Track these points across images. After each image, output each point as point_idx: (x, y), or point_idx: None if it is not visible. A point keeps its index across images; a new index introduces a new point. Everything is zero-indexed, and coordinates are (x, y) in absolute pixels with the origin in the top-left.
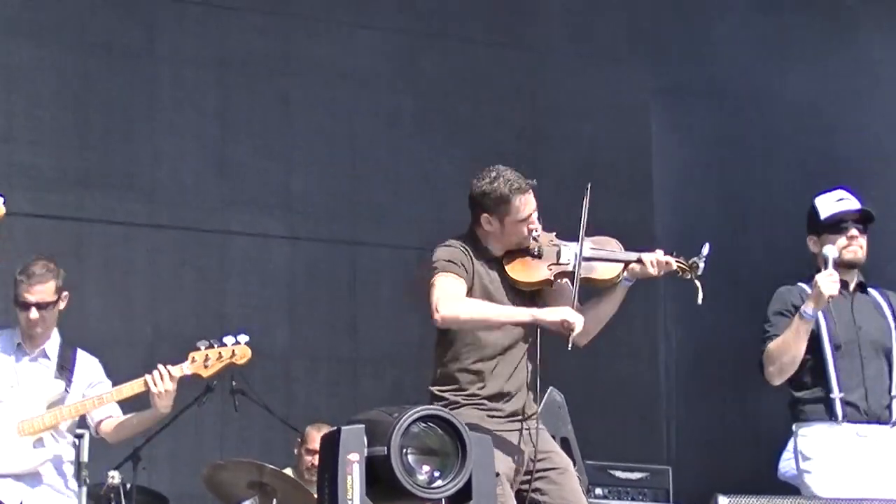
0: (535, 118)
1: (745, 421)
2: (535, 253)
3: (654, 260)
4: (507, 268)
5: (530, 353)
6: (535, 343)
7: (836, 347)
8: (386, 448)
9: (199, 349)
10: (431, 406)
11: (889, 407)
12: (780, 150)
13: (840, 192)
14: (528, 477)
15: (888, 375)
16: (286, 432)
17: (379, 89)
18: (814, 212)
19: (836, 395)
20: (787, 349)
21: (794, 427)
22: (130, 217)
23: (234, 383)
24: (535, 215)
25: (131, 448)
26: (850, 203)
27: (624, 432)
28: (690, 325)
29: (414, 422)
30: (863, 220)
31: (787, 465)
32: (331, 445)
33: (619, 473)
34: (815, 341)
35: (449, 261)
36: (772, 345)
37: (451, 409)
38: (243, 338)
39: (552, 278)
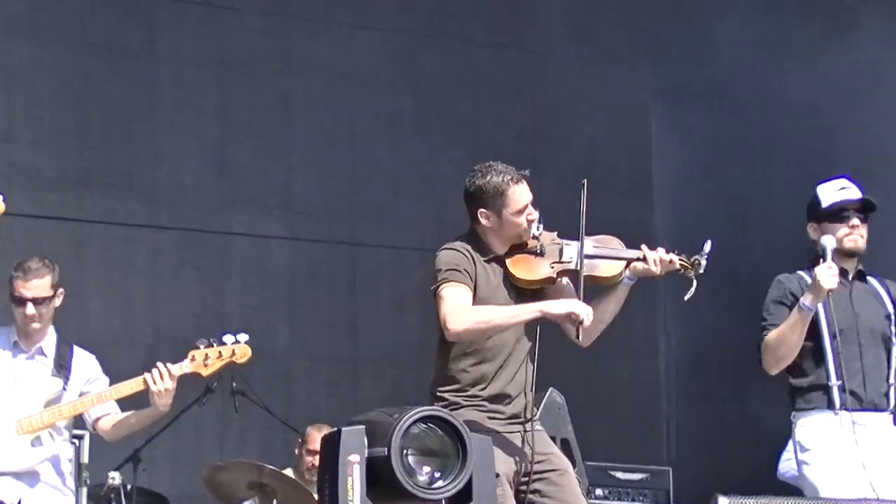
0: (535, 118)
1: (745, 421)
2: (538, 251)
3: (657, 258)
4: (509, 266)
5: (531, 355)
6: (535, 344)
7: (834, 335)
8: (386, 449)
9: (198, 348)
10: (432, 407)
11: (887, 394)
12: (780, 150)
13: (842, 181)
14: (527, 478)
15: (886, 363)
16: (286, 433)
17: (379, 89)
18: (815, 199)
19: (834, 382)
20: (785, 340)
21: (792, 416)
22: (130, 217)
23: (234, 384)
24: (531, 206)
25: (131, 449)
26: (852, 192)
27: (624, 433)
28: (690, 325)
29: (414, 422)
30: (864, 209)
31: (786, 465)
32: (331, 446)
33: (619, 474)
34: (813, 328)
35: (452, 269)
36: (770, 335)
37: (451, 410)
38: (243, 337)
39: (555, 276)
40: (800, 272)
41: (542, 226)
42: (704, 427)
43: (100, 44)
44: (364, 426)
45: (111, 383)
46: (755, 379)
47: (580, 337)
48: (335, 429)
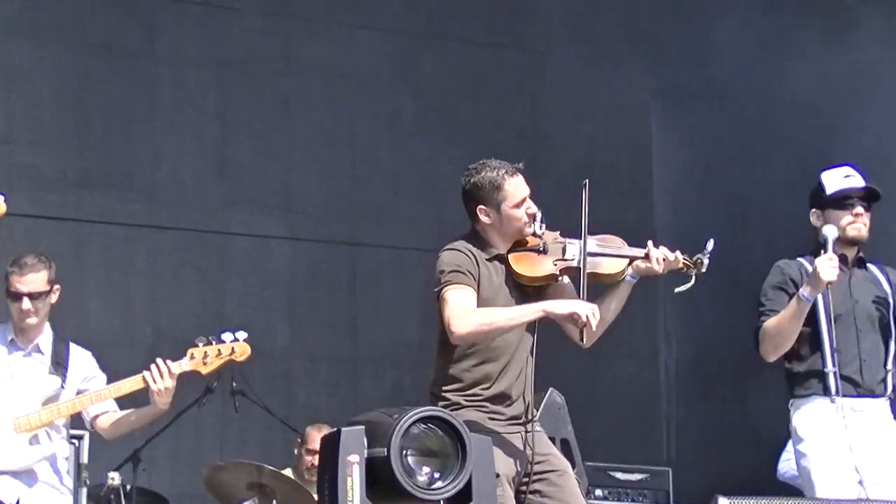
0: (535, 118)
1: (745, 421)
2: (540, 249)
3: (660, 257)
4: (512, 263)
5: (532, 354)
6: (535, 344)
7: (831, 320)
8: (386, 449)
9: (197, 346)
10: (431, 407)
11: (884, 381)
12: (780, 150)
13: (846, 169)
14: (527, 479)
15: (884, 349)
16: (286, 433)
17: (379, 90)
18: (819, 187)
19: (830, 369)
20: (782, 329)
21: (790, 404)
22: (130, 217)
23: (234, 384)
24: (530, 200)
25: (131, 449)
26: (857, 180)
27: (624, 433)
28: (690, 325)
29: (414, 423)
30: (868, 197)
31: (786, 465)
32: (331, 446)
33: (619, 475)
34: (811, 314)
35: (456, 270)
36: (768, 323)
37: (451, 411)
38: (242, 334)
39: (557, 273)
40: (800, 259)
41: (544, 225)
42: (704, 427)
43: (100, 44)
44: (364, 426)
45: (110, 383)
46: (755, 379)
47: (584, 339)
48: (335, 429)
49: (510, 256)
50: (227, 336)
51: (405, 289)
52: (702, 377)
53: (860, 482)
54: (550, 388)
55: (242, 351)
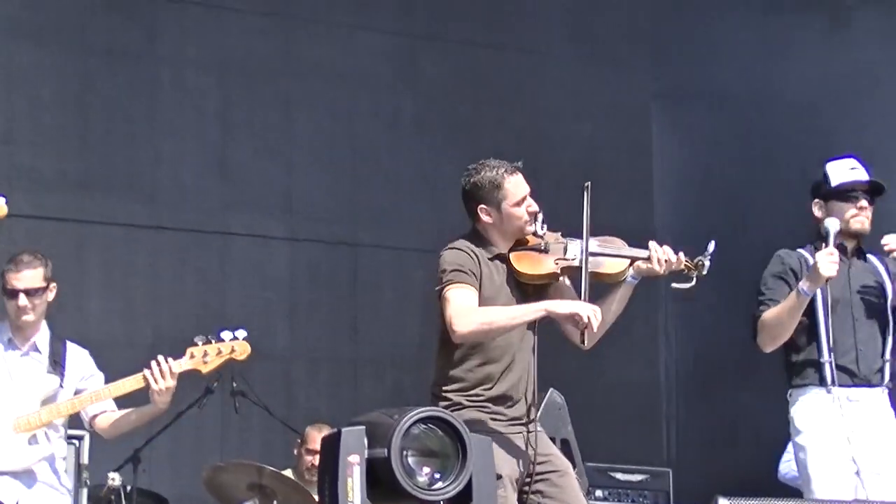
0: (535, 119)
1: (746, 421)
2: (542, 248)
3: (662, 257)
4: (513, 262)
5: (533, 355)
6: (536, 344)
7: (829, 309)
8: (386, 450)
9: (196, 344)
10: (432, 407)
11: (881, 370)
12: (780, 151)
13: (852, 161)
14: (529, 480)
15: (881, 339)
16: (286, 434)
17: (379, 90)
18: (824, 177)
19: (826, 359)
20: (780, 321)
21: (788, 394)
22: (131, 219)
23: (234, 385)
24: (530, 198)
25: (131, 450)
26: (862, 173)
27: (624, 434)
28: (690, 325)
29: (414, 423)
30: (871, 191)
31: (787, 466)
32: (331, 447)
33: (619, 475)
34: (809, 303)
35: (457, 269)
36: (767, 314)
37: (454, 411)
38: (241, 333)
39: (558, 272)
40: (800, 250)
41: (545, 225)
42: (704, 427)
43: (100, 45)
44: (364, 427)
45: (111, 383)
46: (755, 379)
47: (585, 340)
48: (335, 429)
49: (511, 255)
50: (226, 335)
51: (405, 289)
52: (702, 377)
53: (857, 473)
54: (550, 389)
55: (243, 350)
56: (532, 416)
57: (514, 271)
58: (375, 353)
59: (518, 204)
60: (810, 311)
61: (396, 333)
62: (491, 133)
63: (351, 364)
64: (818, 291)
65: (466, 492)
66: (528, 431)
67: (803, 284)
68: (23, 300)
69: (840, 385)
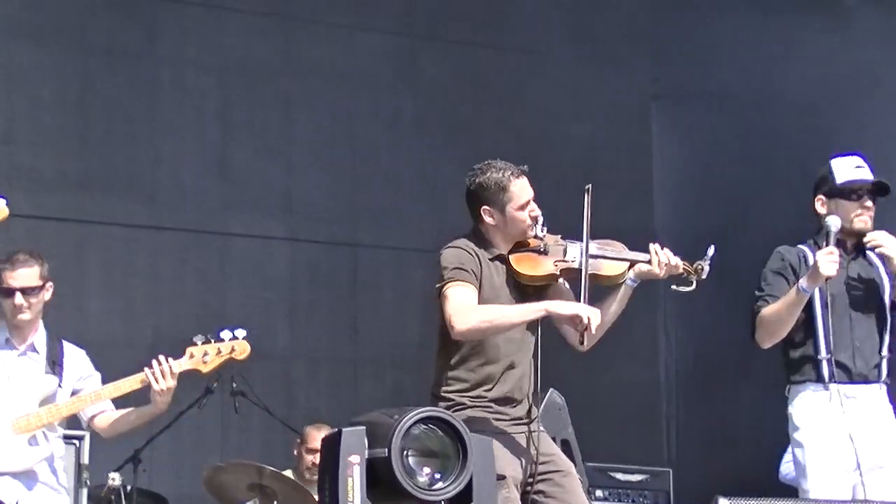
0: (535, 119)
1: (745, 422)
2: (541, 250)
3: (663, 260)
4: (512, 263)
5: (533, 356)
6: (537, 345)
7: (826, 305)
8: (387, 450)
9: (196, 344)
10: (432, 408)
11: (878, 367)
12: (780, 151)
13: (857, 159)
14: (531, 479)
15: (878, 336)
16: (286, 434)
17: (379, 91)
18: (829, 174)
19: (823, 355)
20: (779, 317)
21: (787, 390)
22: (131, 218)
23: (234, 385)
24: (533, 203)
25: (132, 450)
26: (867, 172)
27: (624, 434)
28: (690, 325)
29: (414, 423)
30: (875, 190)
31: (787, 466)
32: (331, 447)
33: (619, 475)
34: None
35: (458, 267)
36: (766, 310)
37: (456, 411)
38: (241, 332)
39: (557, 273)
40: (801, 245)
41: (545, 228)
42: (704, 427)
43: (100, 46)
44: (364, 427)
45: (110, 383)
46: (755, 379)
47: (584, 342)
48: (335, 429)
49: (511, 256)
50: (225, 334)
51: (405, 289)
52: (702, 377)
53: (855, 470)
54: (551, 389)
55: (242, 349)
56: (534, 416)
57: (514, 272)
58: (375, 353)
59: (522, 208)
60: (808, 308)
61: (396, 333)
62: (491, 133)
63: (351, 364)
64: (816, 288)
65: (467, 492)
66: (531, 431)
67: (803, 282)
68: (19, 299)
69: (837, 381)
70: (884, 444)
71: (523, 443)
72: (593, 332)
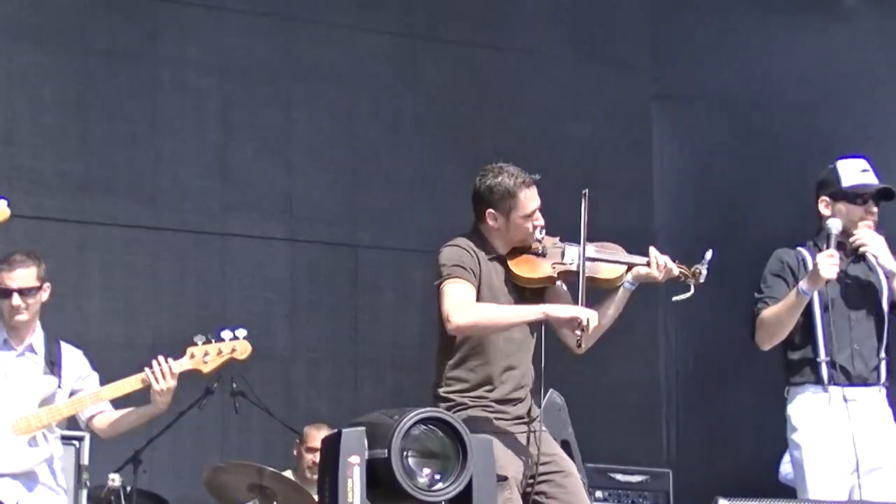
0: (535, 119)
1: (746, 422)
2: (540, 252)
3: (660, 265)
4: (511, 265)
5: (534, 356)
6: (539, 345)
7: (825, 308)
8: (387, 450)
9: (196, 344)
10: (432, 408)
11: (877, 369)
12: (780, 150)
13: (863, 163)
14: (532, 480)
15: (876, 338)
16: (287, 435)
17: (379, 91)
18: (835, 175)
19: (823, 358)
20: (779, 319)
21: (786, 391)
22: (131, 219)
23: (234, 385)
24: (538, 212)
25: (132, 450)
26: (872, 176)
27: (624, 434)
28: (690, 326)
29: (414, 424)
30: (879, 195)
31: (787, 466)
32: (331, 448)
33: (619, 476)
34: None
35: (456, 265)
36: (766, 312)
37: (458, 411)
38: (241, 332)
39: (555, 276)
40: (800, 248)
41: (544, 230)
42: (704, 428)
43: (100, 46)
44: (364, 428)
45: (111, 384)
46: (755, 380)
47: (581, 345)
48: (335, 429)
49: (509, 258)
50: (226, 334)
51: (405, 290)
52: (702, 377)
53: (853, 472)
54: (551, 390)
55: (244, 349)
56: (535, 415)
57: (512, 274)
58: (375, 353)
59: (527, 217)
60: (807, 310)
61: (396, 334)
62: (491, 133)
63: (351, 365)
64: (816, 290)
65: (467, 493)
66: (532, 431)
67: (803, 284)
68: (16, 300)
69: (836, 384)
70: (883, 447)
71: (525, 442)
72: (589, 332)
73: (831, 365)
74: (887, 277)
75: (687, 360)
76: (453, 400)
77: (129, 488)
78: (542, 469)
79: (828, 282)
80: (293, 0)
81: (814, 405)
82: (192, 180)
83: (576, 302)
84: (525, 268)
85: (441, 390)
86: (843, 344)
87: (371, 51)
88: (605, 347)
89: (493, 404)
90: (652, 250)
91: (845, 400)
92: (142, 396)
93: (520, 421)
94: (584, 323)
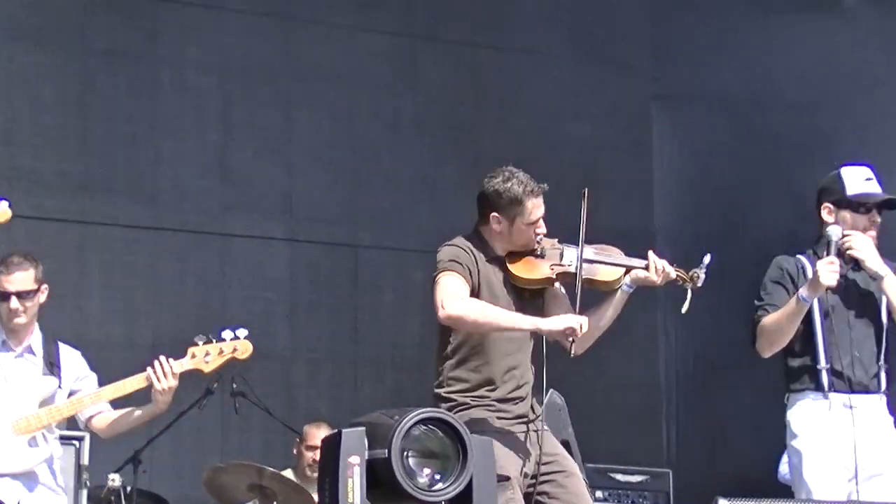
0: (535, 119)
1: (745, 422)
2: (538, 253)
3: (658, 269)
4: (509, 266)
5: (535, 356)
6: (540, 346)
7: (825, 315)
8: (387, 451)
9: (196, 344)
10: (432, 408)
11: (877, 376)
12: (780, 151)
13: (867, 171)
14: (534, 480)
15: (876, 344)
16: (287, 435)
17: (379, 91)
18: (839, 183)
19: (823, 365)
20: (779, 327)
21: (786, 398)
22: (131, 219)
23: (234, 386)
24: (542, 220)
25: (132, 451)
26: (876, 185)
27: (624, 434)
28: (690, 326)
29: (415, 424)
30: (882, 204)
31: (786, 467)
32: (332, 448)
33: (619, 476)
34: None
35: (453, 260)
36: (767, 320)
37: (459, 410)
38: (242, 332)
39: (554, 277)
40: (799, 255)
41: (545, 231)
42: (704, 428)
43: (101, 46)
44: (364, 428)
45: (111, 385)
46: (755, 380)
47: (572, 353)
48: (335, 429)
49: (508, 259)
50: (226, 334)
51: (405, 290)
52: (702, 377)
53: (851, 479)
54: (551, 390)
55: (245, 348)
56: (537, 413)
57: (511, 276)
58: (375, 353)
59: (531, 224)
60: (807, 317)
61: (396, 334)
62: (491, 133)
63: (351, 365)
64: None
65: (467, 493)
66: (534, 430)
67: (803, 291)
68: (14, 303)
69: (837, 391)
70: (883, 454)
71: (526, 441)
72: (580, 333)
73: (831, 372)
74: (873, 279)
75: (687, 360)
76: (455, 400)
77: (129, 488)
78: (544, 469)
79: (828, 289)
80: (293, 0)
81: (814, 412)
82: (192, 180)
83: (573, 303)
84: (524, 269)
85: (443, 391)
86: (843, 351)
87: (371, 51)
88: (605, 348)
89: (495, 403)
90: (651, 255)
91: (845, 407)
92: (142, 397)
93: (521, 420)
94: (578, 332)
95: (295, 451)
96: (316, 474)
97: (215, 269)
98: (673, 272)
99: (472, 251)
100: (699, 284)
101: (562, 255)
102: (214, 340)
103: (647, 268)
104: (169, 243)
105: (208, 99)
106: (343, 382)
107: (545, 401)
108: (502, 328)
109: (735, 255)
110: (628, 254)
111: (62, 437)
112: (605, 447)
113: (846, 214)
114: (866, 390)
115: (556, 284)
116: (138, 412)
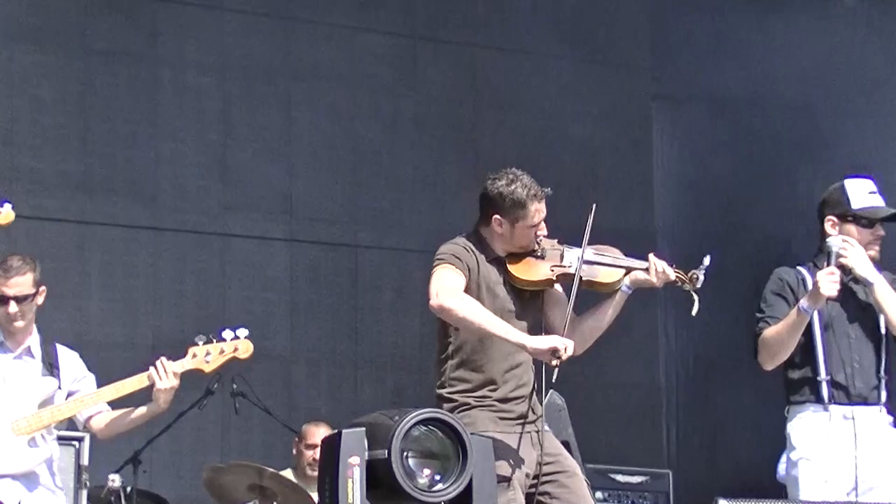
0: (535, 120)
1: (745, 423)
2: (538, 254)
3: (658, 270)
4: (509, 267)
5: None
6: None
7: (825, 327)
8: (387, 451)
9: (197, 344)
10: (432, 409)
11: (877, 388)
12: (779, 152)
13: (871, 184)
14: (536, 480)
15: (875, 356)
16: (287, 435)
17: (379, 91)
18: (844, 196)
19: (823, 377)
20: (780, 339)
21: (787, 410)
22: (131, 220)
23: (234, 386)
24: (543, 223)
25: (132, 451)
26: (879, 198)
27: (624, 435)
28: (690, 325)
29: (415, 425)
30: (887, 218)
31: (785, 467)
32: (331, 448)
33: (619, 477)
34: None
35: (452, 255)
36: (767, 332)
37: (461, 411)
38: (243, 332)
39: (554, 278)
40: (799, 267)
41: (545, 233)
42: (704, 428)
43: (101, 46)
44: (364, 428)
45: (110, 385)
46: (755, 381)
47: (555, 375)
48: (335, 430)
49: (508, 260)
50: (227, 334)
51: (405, 290)
52: (702, 378)
53: (850, 492)
54: (551, 390)
55: (246, 348)
56: (538, 413)
57: (510, 276)
58: (376, 354)
59: (532, 227)
60: (807, 329)
61: (397, 334)
62: (491, 134)
63: (351, 365)
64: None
65: (467, 493)
66: (536, 430)
67: (804, 303)
68: (13, 307)
69: (837, 403)
70: (882, 466)
71: (528, 442)
72: (564, 358)
73: (832, 384)
74: (864, 286)
75: (687, 360)
76: (457, 400)
77: (129, 488)
78: (545, 469)
79: (828, 300)
80: (293, 0)
81: (814, 424)
82: (192, 180)
83: (570, 303)
84: (524, 270)
85: (444, 391)
86: (844, 362)
87: (371, 51)
88: (605, 348)
89: (497, 403)
90: (651, 257)
91: (846, 418)
92: (141, 396)
93: (522, 420)
94: (562, 354)
95: (294, 451)
96: (316, 473)
97: (215, 269)
98: (672, 274)
99: (472, 251)
100: (698, 286)
101: (562, 257)
102: (215, 340)
103: (647, 270)
104: (169, 243)
105: (208, 99)
106: (343, 382)
107: (545, 401)
108: (489, 334)
109: (735, 255)
110: (628, 254)
111: (62, 438)
112: (605, 447)
113: (851, 228)
114: (866, 402)
115: (556, 286)
116: (137, 412)
